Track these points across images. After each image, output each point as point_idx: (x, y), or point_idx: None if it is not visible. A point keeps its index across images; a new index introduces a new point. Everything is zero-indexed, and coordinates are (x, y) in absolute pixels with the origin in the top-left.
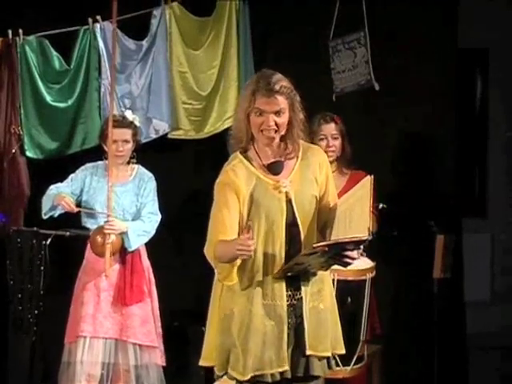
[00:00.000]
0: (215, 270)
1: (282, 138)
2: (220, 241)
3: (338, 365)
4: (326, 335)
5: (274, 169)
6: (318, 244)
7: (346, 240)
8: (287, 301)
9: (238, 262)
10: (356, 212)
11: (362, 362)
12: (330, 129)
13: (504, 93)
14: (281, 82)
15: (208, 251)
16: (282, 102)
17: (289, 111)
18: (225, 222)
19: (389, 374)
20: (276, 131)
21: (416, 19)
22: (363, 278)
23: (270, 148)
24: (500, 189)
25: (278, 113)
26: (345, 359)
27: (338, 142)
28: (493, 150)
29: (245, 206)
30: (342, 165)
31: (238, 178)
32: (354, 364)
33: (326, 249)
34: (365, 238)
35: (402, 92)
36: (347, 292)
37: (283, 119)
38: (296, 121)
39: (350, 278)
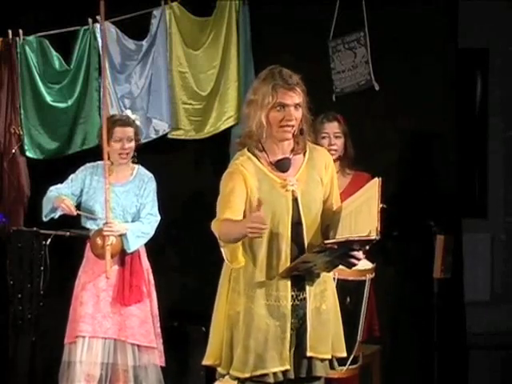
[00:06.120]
0: (223, 254)
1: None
2: (226, 219)
3: None
4: (327, 337)
5: (282, 166)
6: (329, 241)
7: (356, 238)
8: (291, 301)
9: (240, 244)
10: (363, 213)
11: (358, 363)
12: (333, 127)
13: (504, 93)
14: (294, 76)
15: (214, 227)
16: (300, 95)
17: (302, 107)
18: (231, 203)
19: (389, 374)
20: (293, 126)
21: (416, 19)
22: (363, 278)
23: (279, 145)
24: (500, 189)
25: (297, 106)
26: (341, 359)
27: (340, 141)
28: (493, 149)
29: (251, 201)
30: (345, 165)
31: (247, 171)
32: (350, 364)
33: (336, 247)
34: (373, 237)
35: (402, 92)
36: (346, 291)
37: (300, 114)
38: (306, 117)
39: (350, 278)
